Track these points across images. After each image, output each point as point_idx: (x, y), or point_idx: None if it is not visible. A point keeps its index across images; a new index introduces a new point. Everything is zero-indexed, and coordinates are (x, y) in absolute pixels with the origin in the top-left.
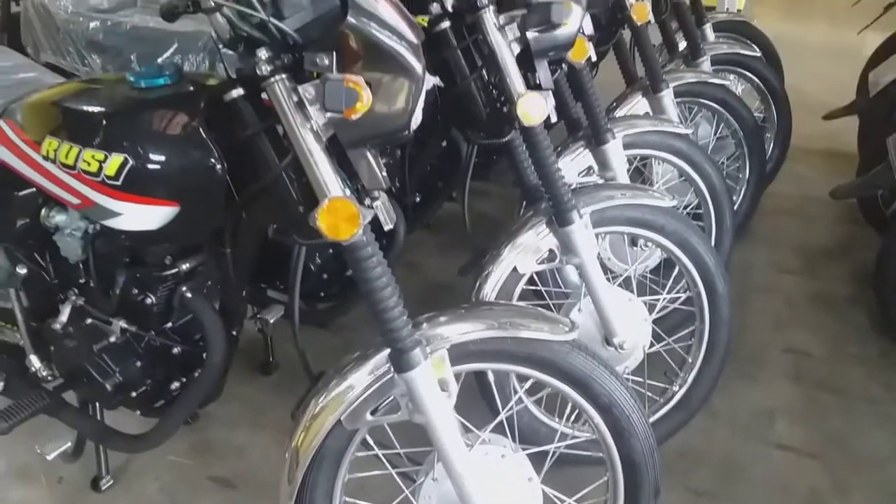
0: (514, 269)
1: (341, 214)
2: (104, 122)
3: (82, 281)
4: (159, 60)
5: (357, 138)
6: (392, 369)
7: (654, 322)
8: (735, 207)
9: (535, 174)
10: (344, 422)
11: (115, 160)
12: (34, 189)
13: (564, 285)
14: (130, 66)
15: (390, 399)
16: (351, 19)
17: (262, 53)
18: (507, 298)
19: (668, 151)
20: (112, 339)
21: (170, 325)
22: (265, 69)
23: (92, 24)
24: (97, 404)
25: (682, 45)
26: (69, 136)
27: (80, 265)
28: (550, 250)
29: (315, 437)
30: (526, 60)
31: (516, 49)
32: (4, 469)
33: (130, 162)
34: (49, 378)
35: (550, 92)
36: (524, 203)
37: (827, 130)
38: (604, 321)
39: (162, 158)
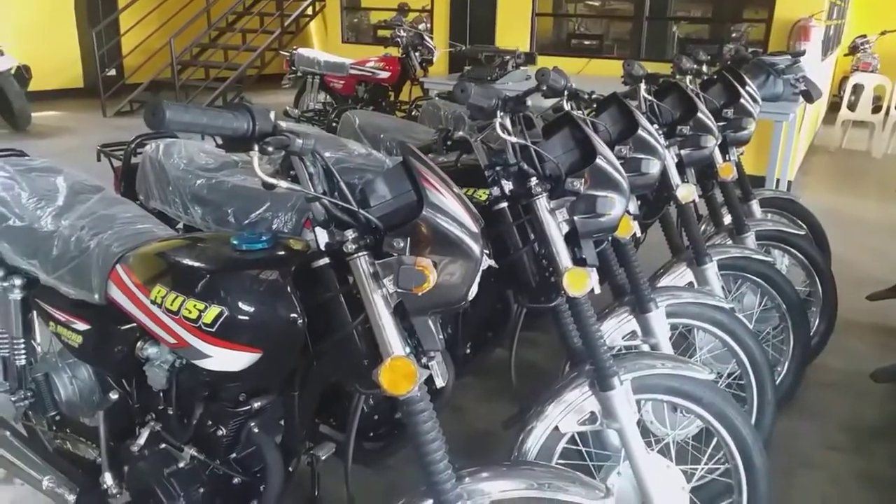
0: (557, 428)
1: (401, 372)
2: (207, 277)
3: (161, 408)
4: (253, 216)
5: (421, 308)
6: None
7: (693, 491)
8: (778, 380)
9: (580, 338)
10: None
11: (213, 311)
12: (135, 325)
13: (604, 447)
14: (227, 219)
15: (589, 412)
16: (426, 213)
17: (350, 234)
18: (549, 455)
19: (710, 323)
20: (181, 464)
21: (233, 455)
22: (351, 247)
23: (198, 181)
24: None
25: (727, 218)
26: (176, 286)
27: (162, 394)
28: (592, 412)
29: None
30: (574, 238)
31: (565, 228)
32: None
33: (226, 313)
34: (118, 496)
35: (594, 268)
36: (568, 362)
37: (876, 305)
38: (641, 487)
39: (253, 312)
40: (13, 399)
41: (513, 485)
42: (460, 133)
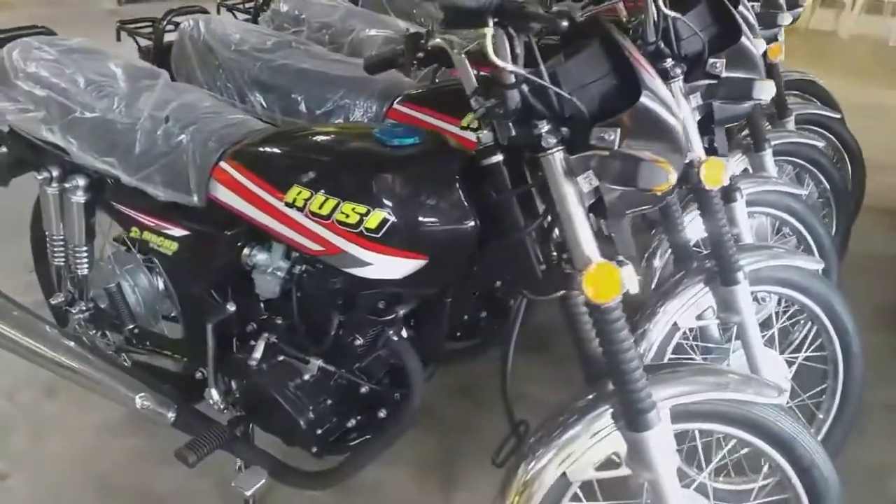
0: (674, 325)
1: (606, 279)
2: (369, 179)
3: (278, 319)
4: (329, 104)
5: (621, 208)
6: (618, 426)
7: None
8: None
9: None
10: (569, 475)
11: (377, 215)
12: (240, 229)
13: (704, 341)
14: (297, 108)
15: (610, 454)
16: (645, 98)
17: (544, 126)
18: (664, 351)
19: (785, 210)
20: (307, 376)
21: (361, 364)
22: (550, 141)
23: (257, 64)
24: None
25: None
26: (327, 189)
27: (275, 303)
28: (709, 307)
29: (538, 489)
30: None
31: (588, 199)
32: None
33: (392, 218)
34: (225, 412)
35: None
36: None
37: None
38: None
39: (422, 217)
40: (74, 311)
41: (694, 388)
42: (437, 40)
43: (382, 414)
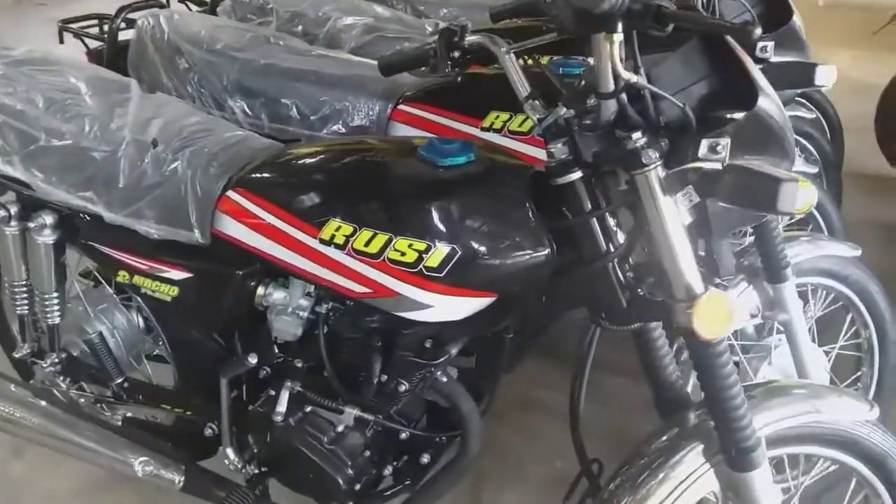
0: None
1: (719, 311)
2: (426, 209)
3: (298, 363)
4: (324, 110)
5: (728, 227)
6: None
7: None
8: None
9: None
10: None
11: (440, 251)
12: (255, 267)
13: (742, 338)
14: (287, 112)
15: (704, 495)
16: (762, 104)
17: (640, 139)
18: None
19: None
20: (340, 428)
21: (401, 408)
22: (652, 156)
23: (235, 66)
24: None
25: None
26: (374, 223)
27: (297, 347)
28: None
29: None
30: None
31: (687, 218)
32: None
33: (457, 254)
34: (243, 471)
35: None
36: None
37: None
38: (802, 375)
39: (492, 249)
40: (45, 364)
41: (787, 412)
42: (477, 37)
43: (425, 459)
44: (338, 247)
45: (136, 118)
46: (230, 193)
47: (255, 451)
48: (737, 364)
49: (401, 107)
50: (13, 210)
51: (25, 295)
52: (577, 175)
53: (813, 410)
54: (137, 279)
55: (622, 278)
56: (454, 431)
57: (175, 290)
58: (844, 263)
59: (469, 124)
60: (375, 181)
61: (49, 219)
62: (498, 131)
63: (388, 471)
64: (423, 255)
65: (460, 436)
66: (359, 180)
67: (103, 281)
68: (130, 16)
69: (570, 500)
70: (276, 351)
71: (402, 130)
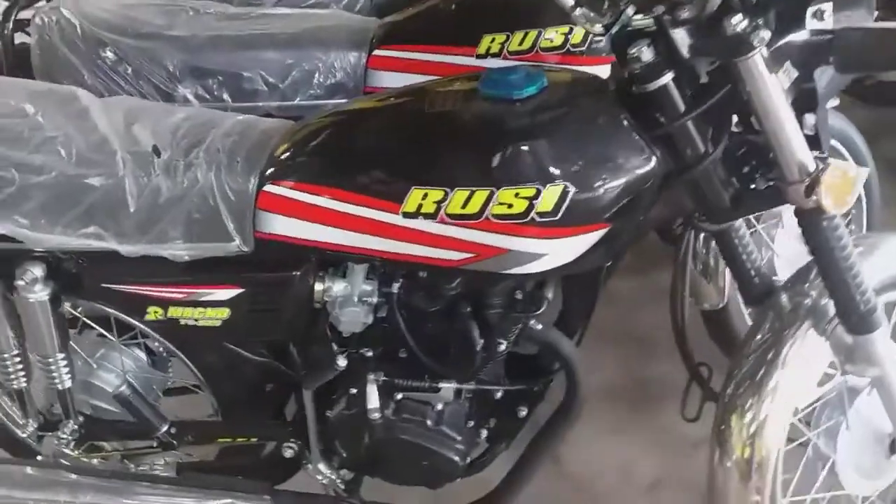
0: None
1: (843, 183)
2: (525, 151)
3: (368, 353)
4: (294, 73)
5: (827, 97)
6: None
7: None
8: None
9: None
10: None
11: (552, 192)
12: (311, 262)
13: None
14: (255, 86)
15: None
16: None
17: (741, 22)
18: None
19: None
20: (440, 406)
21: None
22: (763, 36)
23: (177, 46)
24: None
25: None
26: (468, 180)
27: (366, 336)
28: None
29: (767, 434)
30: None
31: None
32: None
33: (572, 189)
34: (336, 481)
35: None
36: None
37: None
38: None
39: (605, 173)
40: (62, 434)
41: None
42: None
43: (523, 412)
44: (427, 216)
45: (114, 128)
46: (270, 188)
47: (346, 455)
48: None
49: (376, 52)
50: None
51: (21, 365)
52: (669, 76)
53: None
54: (174, 311)
55: (722, 175)
56: (546, 377)
57: (226, 312)
58: None
59: (461, 55)
60: (452, 134)
61: (38, 270)
62: (497, 55)
63: (484, 434)
64: (533, 202)
65: (567, 377)
66: (431, 138)
67: (94, 325)
68: (23, 16)
69: (685, 409)
70: (335, 346)
71: (384, 79)
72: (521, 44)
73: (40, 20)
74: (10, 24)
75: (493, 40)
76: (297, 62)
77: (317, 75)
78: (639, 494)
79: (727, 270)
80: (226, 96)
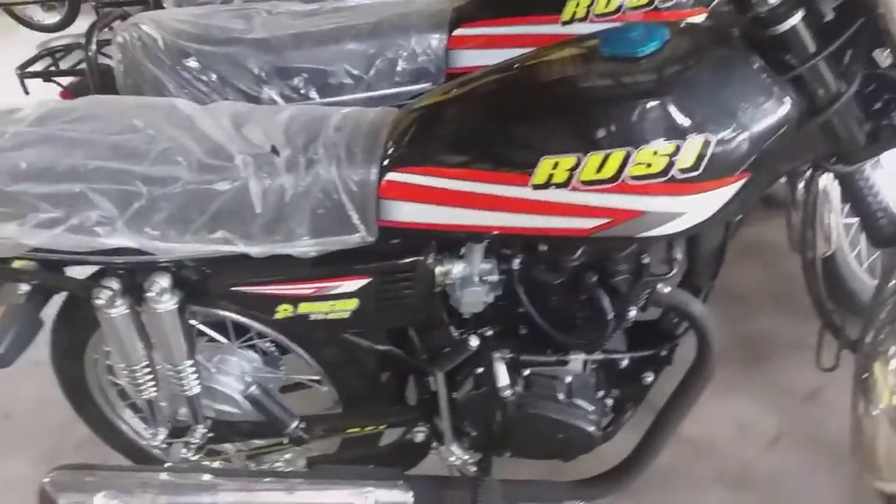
0: None
1: None
2: (659, 106)
3: (488, 332)
4: (378, 63)
5: None
6: None
7: None
8: None
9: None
10: None
11: (693, 146)
12: (432, 247)
13: None
14: (341, 80)
15: None
16: None
17: None
18: None
19: None
20: (569, 379)
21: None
22: None
23: (261, 48)
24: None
25: None
26: (602, 142)
27: (488, 314)
28: None
29: None
30: None
31: None
32: None
33: (713, 140)
34: (469, 461)
35: None
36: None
37: None
38: None
39: (744, 121)
40: (193, 440)
41: None
42: None
43: (649, 378)
44: (559, 185)
45: (225, 133)
46: (392, 175)
47: (477, 435)
48: None
49: (456, 32)
50: (115, 286)
51: (150, 376)
52: (800, 16)
53: None
54: (304, 307)
55: (856, 113)
56: (671, 341)
57: (355, 303)
58: None
59: (546, 23)
60: (579, 98)
61: (164, 281)
62: (583, 19)
63: (610, 403)
64: (674, 158)
65: (698, 338)
66: (558, 105)
67: (206, 329)
68: (104, 36)
69: (822, 359)
70: (454, 327)
71: (466, 58)
72: (607, 5)
73: (122, 38)
74: (94, 45)
75: (577, 4)
76: (378, 51)
77: (399, 62)
78: (762, 451)
79: (832, 216)
80: (313, 93)
